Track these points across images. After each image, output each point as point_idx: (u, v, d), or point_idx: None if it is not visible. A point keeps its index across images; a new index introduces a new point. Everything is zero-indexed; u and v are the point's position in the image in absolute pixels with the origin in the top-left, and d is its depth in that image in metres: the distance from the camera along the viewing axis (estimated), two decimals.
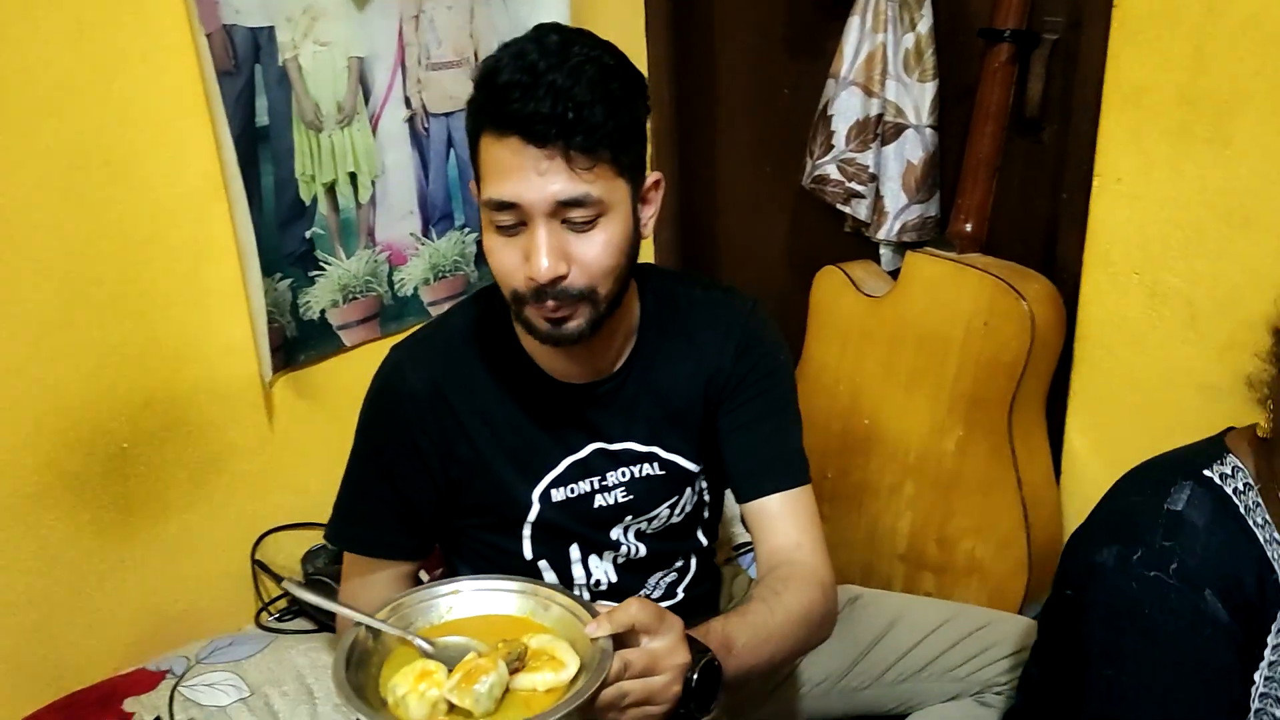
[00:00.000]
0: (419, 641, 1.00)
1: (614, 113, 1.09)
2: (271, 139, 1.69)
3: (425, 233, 1.95)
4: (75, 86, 1.48)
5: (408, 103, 1.86)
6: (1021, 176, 1.84)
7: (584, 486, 1.32)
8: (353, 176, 1.82)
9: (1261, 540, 1.10)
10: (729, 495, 1.43)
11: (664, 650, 1.02)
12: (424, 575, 1.46)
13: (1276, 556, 1.10)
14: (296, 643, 1.65)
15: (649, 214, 1.21)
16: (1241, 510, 1.11)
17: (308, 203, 1.77)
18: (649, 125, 1.19)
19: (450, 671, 0.96)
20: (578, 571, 1.37)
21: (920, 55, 1.83)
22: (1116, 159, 1.66)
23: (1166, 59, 1.58)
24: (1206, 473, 1.13)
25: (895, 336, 1.84)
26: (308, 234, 1.78)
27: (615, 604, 1.04)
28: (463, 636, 1.01)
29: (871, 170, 1.90)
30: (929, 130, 1.86)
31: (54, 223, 1.49)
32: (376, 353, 1.89)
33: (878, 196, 1.91)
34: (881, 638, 1.53)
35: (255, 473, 1.79)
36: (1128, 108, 1.62)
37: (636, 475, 1.34)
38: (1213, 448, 1.17)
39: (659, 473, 1.35)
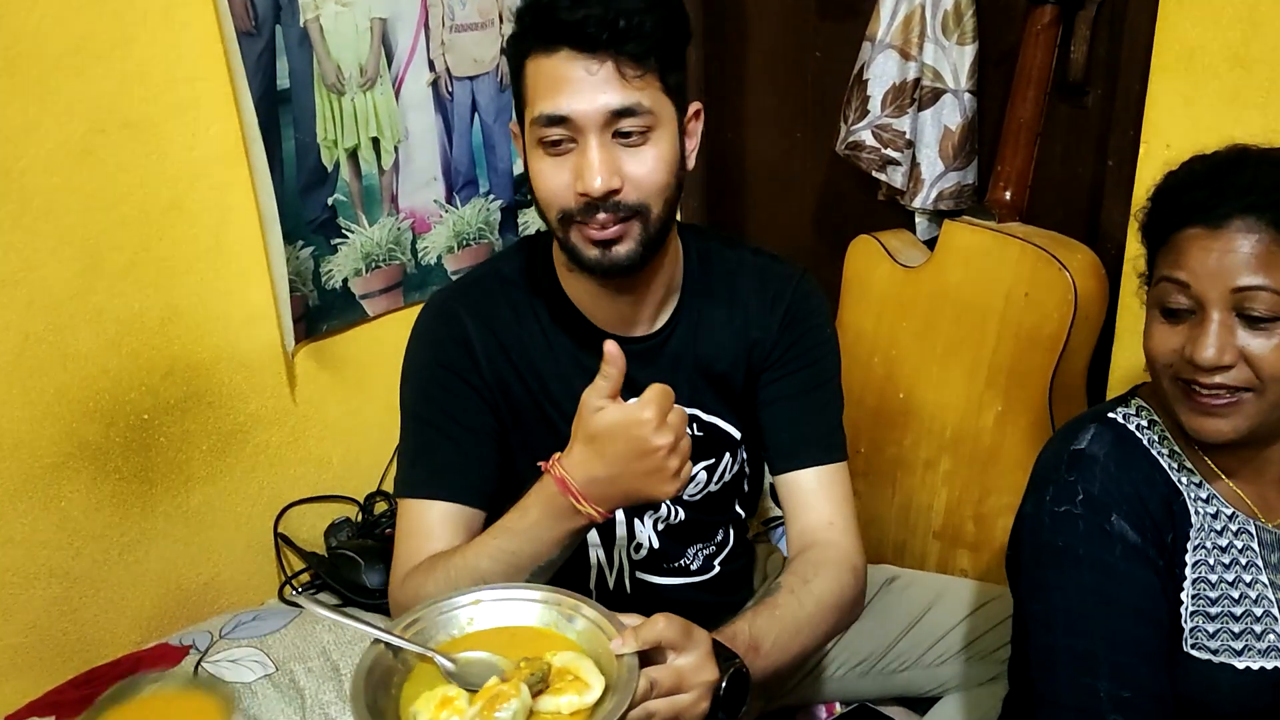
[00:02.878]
0: (440, 660, 0.96)
1: (663, 25, 1.11)
2: (293, 102, 1.65)
3: (449, 200, 1.91)
4: (94, 46, 1.44)
5: (431, 66, 1.82)
6: (1063, 143, 1.78)
7: None
8: (375, 142, 1.78)
9: (1166, 468, 1.15)
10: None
11: (691, 667, 0.99)
12: None
13: (1183, 483, 1.15)
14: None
15: (691, 146, 1.22)
16: (1145, 443, 1.16)
17: (329, 168, 1.73)
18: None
19: (473, 694, 0.92)
20: (621, 532, 1.35)
21: (960, 17, 1.77)
22: (1165, 124, 1.59)
23: (1219, 20, 1.51)
24: (1110, 415, 1.19)
25: (932, 308, 1.79)
26: (330, 201, 1.74)
27: (641, 617, 1.01)
28: (485, 652, 0.97)
29: (908, 136, 1.84)
30: (968, 95, 1.80)
31: (73, 186, 1.46)
32: (399, 323, 1.89)
33: (914, 163, 1.86)
34: (920, 619, 1.51)
35: (277, 444, 1.77)
36: (1178, 71, 1.56)
37: None
38: (1122, 396, 1.23)
39: (697, 434, 1.33)
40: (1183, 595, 1.13)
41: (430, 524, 1.24)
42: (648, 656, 0.98)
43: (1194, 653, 1.13)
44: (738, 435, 1.36)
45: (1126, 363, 1.74)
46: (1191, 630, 1.13)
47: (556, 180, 1.14)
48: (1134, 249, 1.62)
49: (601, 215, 1.13)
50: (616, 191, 1.12)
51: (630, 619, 1.00)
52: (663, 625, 0.98)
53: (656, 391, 1.07)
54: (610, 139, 1.12)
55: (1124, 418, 1.19)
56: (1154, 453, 1.16)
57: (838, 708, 1.56)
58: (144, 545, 1.63)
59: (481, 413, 1.28)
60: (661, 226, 1.18)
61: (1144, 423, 1.18)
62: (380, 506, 1.89)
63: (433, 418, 1.29)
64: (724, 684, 1.02)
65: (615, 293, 1.25)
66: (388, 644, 0.97)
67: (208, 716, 0.84)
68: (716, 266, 1.33)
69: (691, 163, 1.21)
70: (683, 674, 0.99)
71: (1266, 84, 1.49)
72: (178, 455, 1.65)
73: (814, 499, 1.29)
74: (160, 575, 1.66)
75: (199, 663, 1.50)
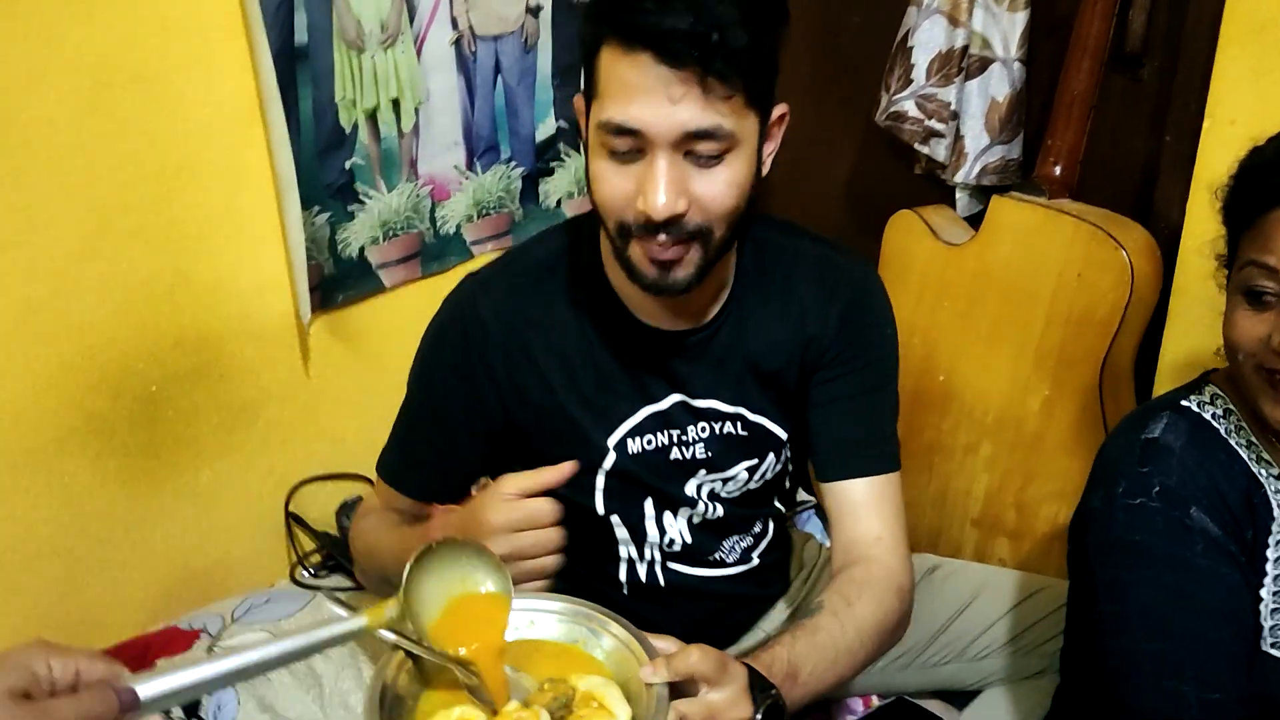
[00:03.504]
0: (460, 674, 0.90)
1: (759, 36, 0.99)
2: (311, 59, 1.56)
3: (470, 166, 1.83)
4: None
5: (454, 23, 1.73)
6: (1116, 117, 1.71)
7: (662, 439, 1.23)
8: (395, 103, 1.69)
9: (1245, 459, 1.10)
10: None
11: (724, 703, 0.94)
12: None
13: (1263, 475, 1.10)
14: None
15: (770, 150, 1.11)
16: (1222, 432, 1.11)
17: (348, 130, 1.64)
18: None
19: (490, 716, 0.87)
20: (651, 530, 1.28)
21: None
22: (1231, 99, 1.52)
23: None
24: (1184, 403, 1.14)
25: (977, 287, 1.72)
26: (347, 164, 1.66)
27: (677, 641, 0.95)
28: (507, 668, 0.91)
29: (953, 107, 1.77)
30: (1017, 64, 1.73)
31: (79, 143, 1.38)
32: (416, 294, 1.81)
33: (957, 136, 1.78)
34: (963, 610, 1.45)
35: (290, 419, 1.70)
36: (1248, 43, 1.49)
37: (717, 432, 1.24)
38: (1194, 383, 1.18)
39: (741, 433, 1.25)
40: (1263, 592, 1.08)
41: (391, 505, 1.29)
42: (679, 688, 0.92)
43: (1274, 651, 1.08)
44: (784, 436, 1.28)
45: (1178, 348, 1.68)
46: (1272, 628, 1.08)
47: (619, 189, 1.03)
48: (1207, 230, 1.56)
49: (662, 237, 1.03)
50: (682, 215, 1.02)
51: (663, 642, 0.95)
52: (697, 657, 0.92)
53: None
54: (681, 157, 1.01)
55: (1198, 405, 1.13)
56: (1231, 443, 1.11)
57: (874, 700, 1.51)
58: (150, 523, 1.56)
59: (478, 417, 1.22)
60: (724, 247, 1.09)
61: (1219, 411, 1.13)
62: None
63: (420, 413, 1.26)
64: (759, 718, 0.96)
65: (664, 301, 1.17)
66: (408, 653, 0.90)
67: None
68: (772, 258, 1.23)
69: (767, 168, 1.11)
70: (715, 710, 0.93)
71: None
72: (186, 430, 1.57)
73: (863, 511, 1.22)
74: (167, 555, 1.59)
75: (211, 648, 1.43)
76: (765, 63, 1.02)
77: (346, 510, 1.77)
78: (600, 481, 1.23)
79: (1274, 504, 1.09)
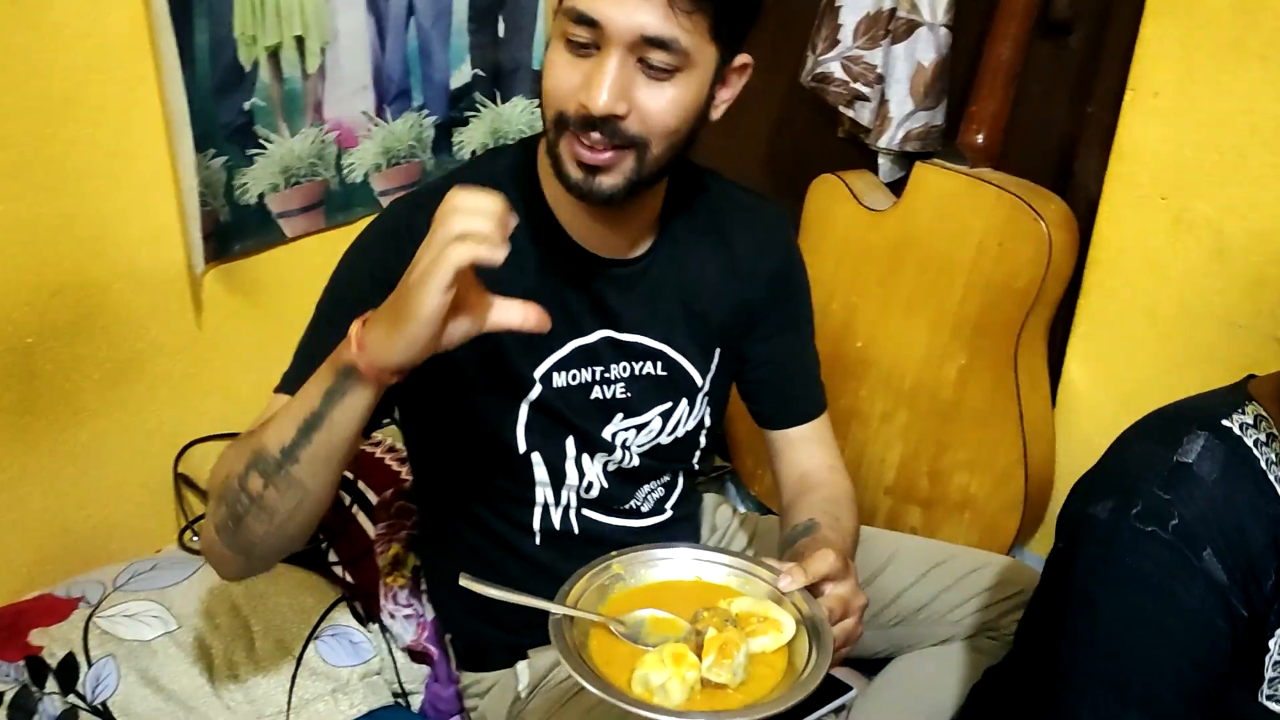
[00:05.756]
0: (614, 625, 0.94)
1: None
2: None
3: (379, 112, 1.73)
4: None
5: None
6: (1041, 86, 1.69)
7: (585, 375, 1.21)
8: (299, 41, 1.59)
9: None
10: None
11: (850, 593, 1.02)
12: None
13: None
14: None
15: (725, 96, 1.11)
16: (1262, 463, 1.01)
17: (247, 69, 1.54)
18: None
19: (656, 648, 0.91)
20: (570, 471, 1.25)
21: None
22: (1155, 71, 1.52)
23: None
24: (1225, 423, 1.03)
25: (897, 254, 1.70)
26: (246, 105, 1.55)
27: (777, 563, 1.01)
28: (649, 609, 0.96)
29: (879, 70, 1.73)
30: (943, 29, 1.70)
31: None
32: (320, 245, 1.72)
33: (882, 100, 1.75)
34: (875, 578, 1.45)
35: (180, 375, 1.60)
36: (1175, 14, 1.48)
37: (637, 372, 1.24)
38: (1234, 395, 1.07)
39: (661, 373, 1.25)
40: (1271, 643, 1.01)
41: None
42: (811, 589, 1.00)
43: (1270, 705, 1.02)
44: (699, 383, 1.27)
45: (1091, 320, 1.68)
46: (1271, 680, 1.02)
47: (566, 80, 1.03)
48: (1124, 202, 1.56)
49: (595, 135, 1.02)
50: (620, 118, 1.02)
51: (770, 561, 1.02)
52: (823, 558, 1.00)
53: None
54: (634, 62, 1.01)
55: (1240, 428, 1.03)
56: (1270, 477, 1.01)
57: None
58: (25, 484, 1.45)
59: None
60: (658, 170, 1.07)
61: (1262, 437, 1.03)
62: None
63: (337, 320, 1.09)
64: None
65: (594, 214, 1.14)
66: (563, 618, 0.92)
67: None
68: (700, 197, 1.24)
69: (717, 115, 1.11)
70: (845, 601, 1.01)
71: (1272, 33, 1.41)
72: (65, 384, 1.46)
73: (812, 446, 1.34)
74: (43, 518, 1.48)
75: (90, 617, 1.34)
76: (740, 4, 1.04)
77: None
78: (523, 414, 1.20)
79: None
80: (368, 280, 1.09)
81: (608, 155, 1.03)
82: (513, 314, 0.94)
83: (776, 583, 0.98)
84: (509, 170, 1.18)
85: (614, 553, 1.01)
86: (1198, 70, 1.48)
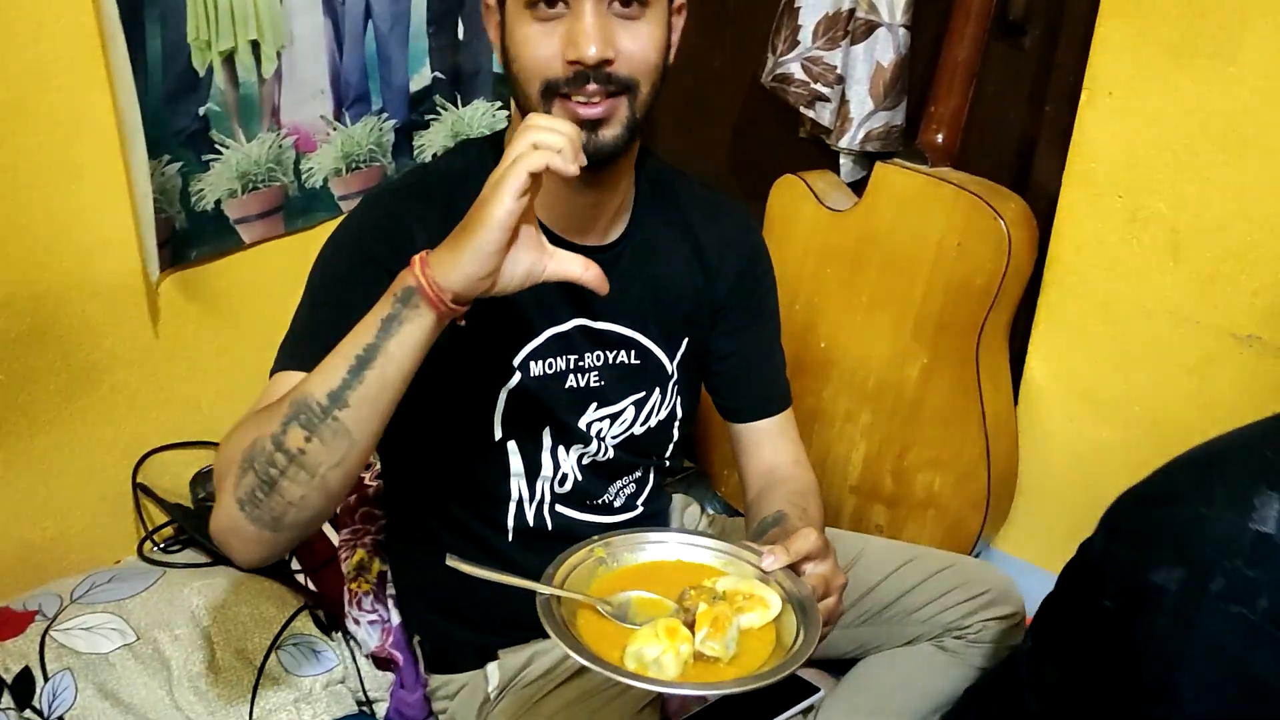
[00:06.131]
0: (601, 606, 0.95)
1: None
2: None
3: (338, 116, 1.72)
4: None
5: None
6: (998, 85, 1.70)
7: (560, 364, 1.22)
8: (255, 45, 1.58)
9: None
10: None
11: (831, 572, 1.04)
12: None
13: None
14: (189, 578, 1.45)
15: (673, 39, 1.14)
16: None
17: (201, 73, 1.52)
18: None
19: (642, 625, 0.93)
20: (546, 462, 1.25)
21: None
22: (1109, 70, 1.53)
23: None
24: None
25: (859, 254, 1.71)
26: (201, 110, 1.54)
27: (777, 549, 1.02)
28: (636, 590, 0.97)
29: (839, 71, 1.74)
30: (902, 30, 1.70)
31: None
32: (279, 251, 1.71)
33: (843, 101, 1.75)
34: None
35: (137, 384, 1.58)
36: (1127, 15, 1.49)
37: (610, 361, 1.25)
38: None
39: (634, 362, 1.26)
40: None
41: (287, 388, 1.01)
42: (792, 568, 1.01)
43: None
44: (670, 370, 1.29)
45: (1051, 318, 1.69)
46: None
47: (544, 48, 1.04)
48: (1082, 200, 1.56)
49: (591, 86, 1.04)
50: (610, 63, 1.04)
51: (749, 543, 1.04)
52: (805, 538, 1.01)
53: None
54: (605, 8, 1.03)
55: None
56: None
57: None
58: None
59: None
60: (645, 114, 1.10)
61: None
62: None
63: (332, 302, 1.09)
64: None
65: (580, 187, 1.13)
66: (550, 598, 0.93)
67: None
68: (666, 188, 1.27)
69: (672, 56, 1.13)
70: (828, 580, 1.03)
71: (1219, 32, 1.43)
72: (19, 396, 1.44)
73: (777, 441, 1.35)
74: None
75: (47, 630, 1.32)
76: None
77: (200, 480, 1.66)
78: (502, 402, 1.20)
79: None
80: (370, 267, 1.06)
81: (605, 105, 1.05)
82: (574, 265, 0.97)
83: (759, 563, 1.00)
84: (470, 166, 1.18)
85: (595, 537, 1.02)
86: (1149, 69, 1.50)
